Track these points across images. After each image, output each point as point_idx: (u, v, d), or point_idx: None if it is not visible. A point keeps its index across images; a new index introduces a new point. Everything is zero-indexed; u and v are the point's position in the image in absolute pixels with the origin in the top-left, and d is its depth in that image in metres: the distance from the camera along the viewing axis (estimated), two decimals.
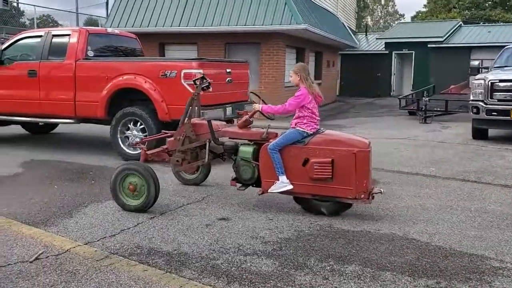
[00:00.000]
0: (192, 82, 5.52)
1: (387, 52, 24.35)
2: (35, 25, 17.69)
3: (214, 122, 5.18)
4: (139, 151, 7.10)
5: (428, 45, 22.74)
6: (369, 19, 56.32)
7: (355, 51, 24.05)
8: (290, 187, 4.62)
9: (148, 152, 5.31)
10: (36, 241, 4.01)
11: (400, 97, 15.86)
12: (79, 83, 7.67)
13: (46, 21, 23.58)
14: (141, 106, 7.35)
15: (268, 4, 12.64)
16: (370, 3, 58.19)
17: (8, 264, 3.53)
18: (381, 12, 63.05)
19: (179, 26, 13.24)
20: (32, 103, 7.98)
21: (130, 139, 7.44)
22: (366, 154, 4.44)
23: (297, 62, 15.49)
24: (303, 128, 4.59)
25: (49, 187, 5.80)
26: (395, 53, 24.32)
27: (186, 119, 5.19)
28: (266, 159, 4.65)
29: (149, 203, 4.77)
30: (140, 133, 7.33)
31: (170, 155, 5.40)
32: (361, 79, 24.39)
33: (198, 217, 4.68)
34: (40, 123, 9.59)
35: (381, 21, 62.17)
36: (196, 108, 5.49)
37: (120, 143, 7.49)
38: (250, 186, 4.98)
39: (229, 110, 7.62)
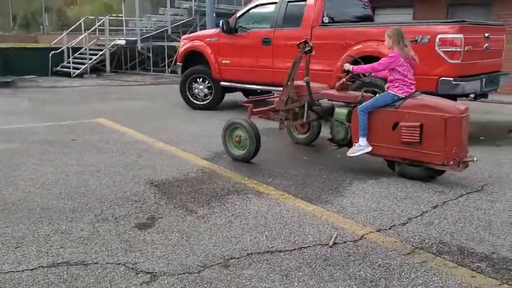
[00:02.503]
0: (306, 47, 5.48)
1: None
2: None
3: (313, 85, 5.48)
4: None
5: None
6: None
7: None
8: (368, 149, 4.72)
9: (255, 110, 5.68)
10: (321, 220, 3.75)
11: None
12: (314, 51, 7.38)
13: None
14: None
15: None
16: None
17: (308, 246, 3.30)
18: None
19: None
20: (265, 71, 8.01)
21: None
22: (458, 120, 4.30)
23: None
24: (395, 92, 4.58)
25: (296, 157, 5.63)
26: None
27: (289, 81, 5.48)
28: (357, 121, 4.73)
29: (249, 155, 5.29)
30: None
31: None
32: None
33: (493, 212, 3.94)
34: (258, 91, 9.71)
35: None
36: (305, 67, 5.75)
37: None
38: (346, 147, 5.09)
39: (484, 81, 6.53)
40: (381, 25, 7.18)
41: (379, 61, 4.70)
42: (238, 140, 5.40)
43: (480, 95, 6.59)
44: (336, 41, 7.11)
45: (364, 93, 4.99)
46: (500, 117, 8.77)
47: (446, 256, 3.15)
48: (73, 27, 18.92)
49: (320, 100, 5.63)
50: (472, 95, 6.35)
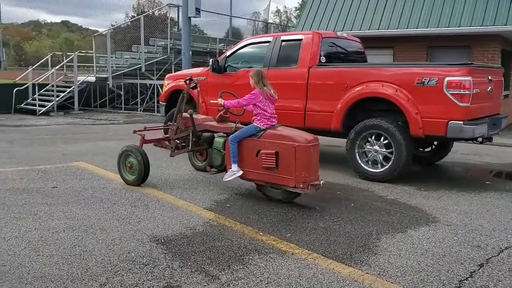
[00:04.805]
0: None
1: None
2: (230, 35, 18.05)
3: (198, 117, 6.13)
4: (381, 169, 6.38)
5: None
6: None
7: None
8: (239, 173, 5.27)
9: (146, 138, 6.23)
10: (365, 286, 3.29)
11: None
12: (311, 91, 7.10)
13: (193, 31, 24.28)
14: (386, 118, 6.48)
15: (487, 2, 11.05)
16: None
17: None
18: None
19: (378, 29, 12.29)
20: None
21: (369, 155, 6.63)
22: (305, 148, 4.87)
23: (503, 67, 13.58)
24: (257, 124, 5.23)
25: (305, 206, 5.20)
26: None
27: (178, 113, 6.11)
28: (229, 148, 5.33)
29: (139, 180, 5.88)
30: (384, 149, 6.46)
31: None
32: None
33: None
34: None
35: None
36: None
37: (358, 158, 6.71)
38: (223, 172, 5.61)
39: (489, 124, 6.36)
40: (387, 66, 6.93)
41: (244, 97, 5.30)
42: (130, 166, 5.97)
43: (486, 139, 6.42)
44: (336, 81, 6.85)
45: (238, 125, 5.49)
46: (490, 159, 8.70)
47: None
48: (39, 62, 18.16)
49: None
50: (479, 139, 6.16)
